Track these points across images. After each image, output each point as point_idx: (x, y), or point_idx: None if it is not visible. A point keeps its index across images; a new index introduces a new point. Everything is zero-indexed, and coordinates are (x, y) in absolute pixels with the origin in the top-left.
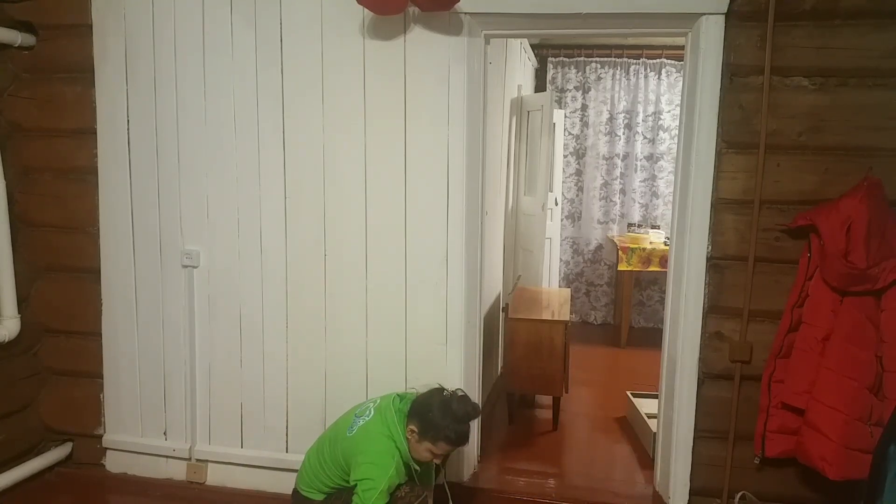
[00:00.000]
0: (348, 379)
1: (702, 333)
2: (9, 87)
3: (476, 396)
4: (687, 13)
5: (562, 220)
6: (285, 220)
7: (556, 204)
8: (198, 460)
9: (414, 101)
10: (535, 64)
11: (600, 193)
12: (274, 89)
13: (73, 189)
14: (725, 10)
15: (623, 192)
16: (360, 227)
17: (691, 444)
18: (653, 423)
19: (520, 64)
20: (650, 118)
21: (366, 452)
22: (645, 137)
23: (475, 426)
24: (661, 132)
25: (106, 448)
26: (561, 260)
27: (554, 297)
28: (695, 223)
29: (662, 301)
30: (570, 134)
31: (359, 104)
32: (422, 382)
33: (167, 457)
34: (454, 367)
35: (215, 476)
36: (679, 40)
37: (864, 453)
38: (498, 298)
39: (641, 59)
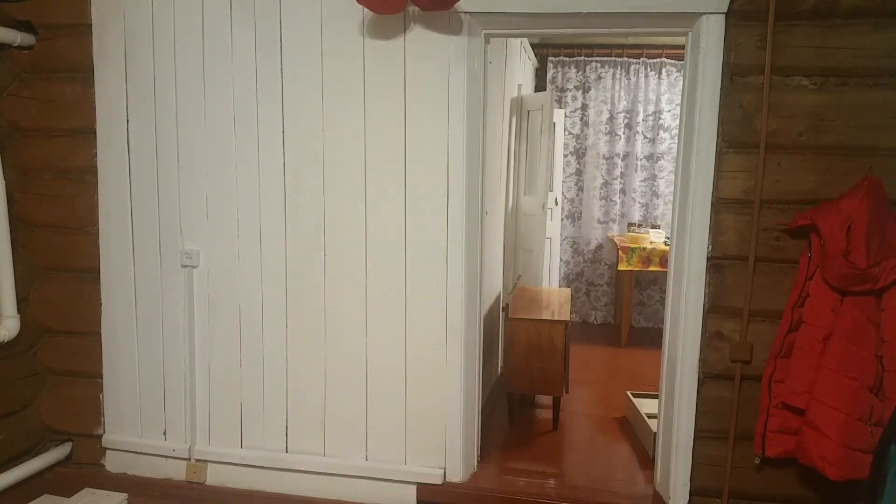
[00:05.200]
0: (348, 379)
1: (702, 333)
2: (8, 87)
3: (476, 396)
4: (687, 12)
5: (562, 219)
6: (285, 220)
7: (556, 204)
8: (197, 460)
9: (414, 101)
10: (535, 63)
11: (600, 193)
12: (273, 89)
13: (73, 189)
14: (726, 10)
15: (623, 191)
16: (359, 227)
17: (691, 444)
18: (653, 423)
19: (520, 63)
20: (650, 118)
21: None
22: (645, 137)
23: (475, 425)
24: (661, 132)
25: (105, 448)
26: (561, 260)
27: (554, 297)
28: (695, 223)
29: (662, 301)
30: (570, 133)
31: (358, 104)
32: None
33: (167, 457)
34: (454, 367)
35: (215, 476)
36: (679, 40)
37: (865, 453)
38: (498, 298)
39: (642, 59)
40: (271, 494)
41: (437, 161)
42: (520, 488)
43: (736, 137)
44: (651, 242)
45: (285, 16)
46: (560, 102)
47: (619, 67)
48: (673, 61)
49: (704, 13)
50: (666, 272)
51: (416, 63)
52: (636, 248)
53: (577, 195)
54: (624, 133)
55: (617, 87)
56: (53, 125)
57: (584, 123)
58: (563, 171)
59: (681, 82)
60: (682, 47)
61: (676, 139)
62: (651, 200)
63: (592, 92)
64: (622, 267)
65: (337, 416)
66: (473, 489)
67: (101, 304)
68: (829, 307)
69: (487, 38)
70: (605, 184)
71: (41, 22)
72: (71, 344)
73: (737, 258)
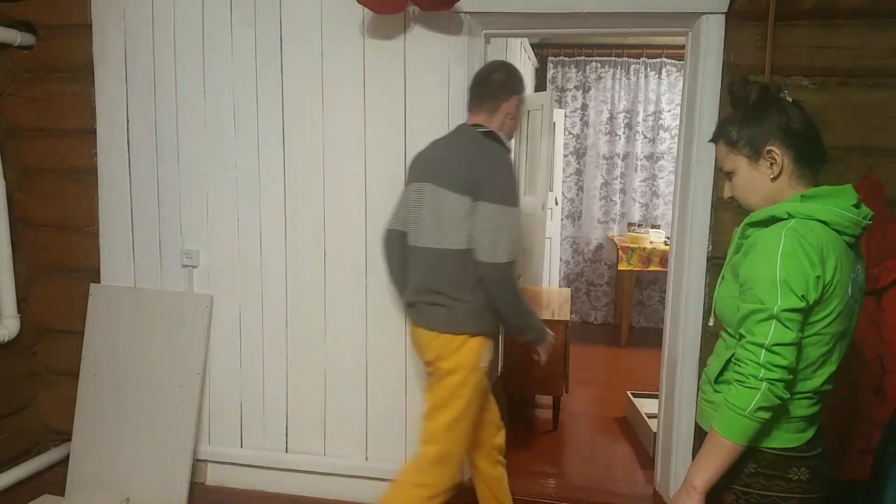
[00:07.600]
0: (348, 379)
1: (702, 333)
2: (8, 87)
3: None
4: (687, 12)
5: (562, 219)
6: (285, 220)
7: (556, 203)
8: (198, 460)
9: (414, 101)
10: (536, 63)
11: (600, 193)
12: (273, 89)
13: (73, 189)
14: (726, 10)
15: (623, 191)
16: (359, 227)
17: (691, 444)
18: (653, 423)
19: (520, 63)
20: (650, 118)
21: None
22: (645, 137)
23: None
24: (661, 132)
25: None
26: (561, 260)
27: (554, 296)
28: (695, 223)
29: (662, 301)
30: (570, 133)
31: (359, 104)
32: None
33: None
34: None
35: (215, 476)
36: (679, 39)
37: (865, 453)
38: None
39: (642, 59)
40: (271, 494)
41: None
42: (520, 488)
43: None
44: (651, 242)
45: (285, 16)
46: (560, 102)
47: (619, 67)
48: (673, 61)
49: (704, 13)
50: (666, 272)
51: (417, 63)
52: (636, 248)
53: (577, 195)
54: (624, 133)
55: (617, 87)
56: (53, 125)
57: (584, 123)
58: (563, 170)
59: (681, 82)
60: (682, 47)
61: (676, 139)
62: (651, 200)
63: (592, 92)
64: (622, 267)
65: (337, 416)
66: (474, 489)
67: None
68: None
69: (487, 38)
70: (605, 184)
71: (41, 22)
72: (71, 344)
73: None
